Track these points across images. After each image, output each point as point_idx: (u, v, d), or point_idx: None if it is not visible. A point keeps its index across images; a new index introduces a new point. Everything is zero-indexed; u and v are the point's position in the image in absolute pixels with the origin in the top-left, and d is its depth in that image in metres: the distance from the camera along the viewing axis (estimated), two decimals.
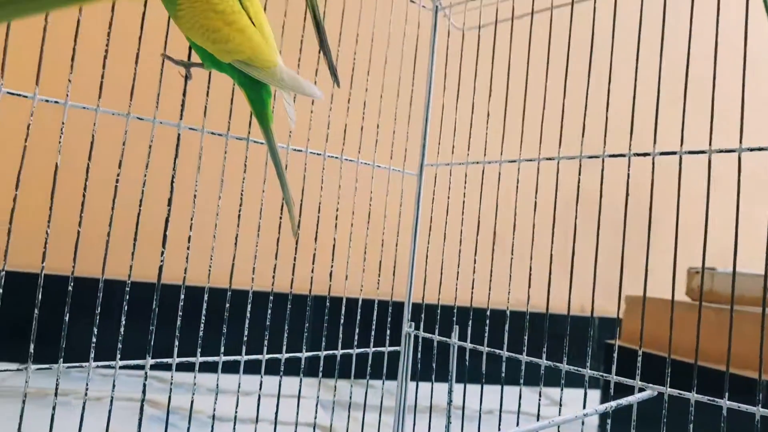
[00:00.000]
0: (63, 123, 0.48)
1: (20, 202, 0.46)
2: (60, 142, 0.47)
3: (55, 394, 0.47)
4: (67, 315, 0.47)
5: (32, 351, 0.46)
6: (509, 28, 0.70)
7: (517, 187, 0.67)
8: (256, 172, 0.59)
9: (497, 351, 0.64)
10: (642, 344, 0.56)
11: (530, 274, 0.63)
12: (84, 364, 0.48)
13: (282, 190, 0.53)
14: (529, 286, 0.63)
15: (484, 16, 0.74)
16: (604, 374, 0.59)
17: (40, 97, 0.48)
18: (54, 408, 0.46)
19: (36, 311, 0.46)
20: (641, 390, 0.51)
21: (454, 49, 0.76)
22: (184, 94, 0.55)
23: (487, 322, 0.65)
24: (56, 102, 0.49)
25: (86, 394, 0.46)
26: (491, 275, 0.66)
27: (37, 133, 0.49)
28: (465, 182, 0.70)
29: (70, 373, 0.87)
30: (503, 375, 0.63)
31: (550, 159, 0.66)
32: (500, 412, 0.62)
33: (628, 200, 0.57)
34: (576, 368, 0.60)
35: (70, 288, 0.48)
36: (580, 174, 0.62)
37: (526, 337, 0.62)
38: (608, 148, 0.60)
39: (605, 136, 0.60)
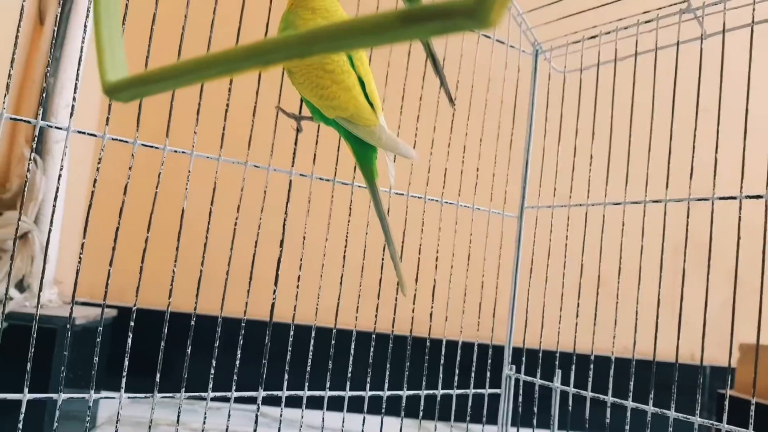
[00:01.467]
0: (189, 171, 0.53)
1: (150, 243, 0.51)
2: (186, 189, 0.52)
3: (177, 420, 0.51)
4: (189, 348, 0.52)
5: (158, 380, 0.51)
6: (612, 69, 0.70)
7: (623, 230, 0.65)
8: (361, 213, 0.62)
9: (602, 396, 0.62)
10: (755, 393, 0.53)
11: (636, 320, 0.62)
12: (203, 393, 0.52)
13: (387, 244, 0.55)
14: (635, 332, 0.61)
15: (586, 59, 0.74)
16: (715, 423, 0.56)
17: (170, 148, 0.53)
18: None
19: (162, 344, 0.50)
20: None
21: (554, 91, 0.76)
22: (295, 143, 0.59)
23: (591, 366, 0.63)
24: (183, 152, 0.54)
25: (204, 422, 0.49)
26: (595, 320, 0.65)
27: (166, 181, 0.54)
28: (567, 225, 0.70)
29: (193, 405, 0.93)
30: (608, 422, 0.61)
31: (656, 201, 0.64)
32: None
33: (739, 244, 0.55)
34: (685, 416, 0.58)
35: (192, 323, 0.53)
36: (688, 217, 0.60)
37: (632, 383, 0.61)
38: (718, 190, 0.58)
39: (714, 177, 0.58)
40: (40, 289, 0.48)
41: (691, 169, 0.60)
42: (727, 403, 0.54)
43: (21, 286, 0.98)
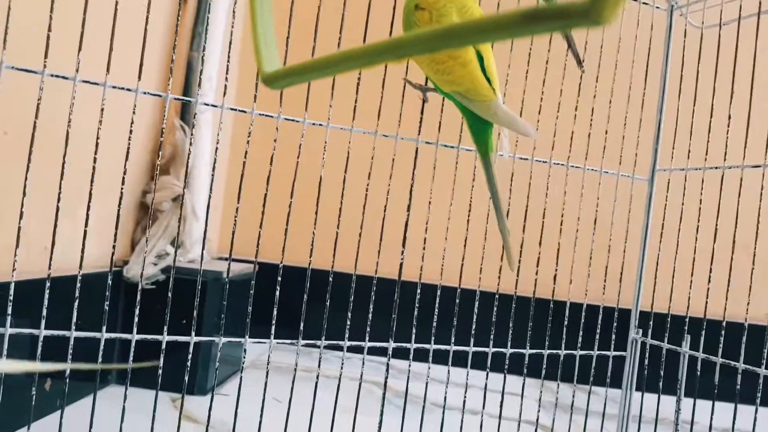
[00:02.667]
0: (326, 142, 0.58)
1: (293, 209, 0.56)
2: (324, 158, 0.57)
3: (319, 365, 0.57)
4: (328, 302, 0.57)
5: (302, 329, 0.57)
6: (754, 25, 0.66)
7: (761, 194, 0.63)
8: (484, 179, 0.64)
9: (732, 363, 0.61)
10: None
11: None
12: (341, 342, 0.58)
13: (498, 219, 0.56)
14: None
15: (726, 14, 0.70)
16: None
17: (309, 121, 0.58)
18: (317, 381, 0.55)
19: (305, 297, 0.56)
20: None
21: (690, 48, 0.73)
22: (421, 113, 0.62)
23: (723, 332, 0.62)
24: (320, 125, 0.59)
25: (340, 370, 0.55)
26: (728, 285, 0.63)
27: (306, 151, 0.59)
28: (701, 188, 0.68)
29: (326, 354, 1.01)
30: (738, 390, 0.60)
31: None
32: (732, 430, 0.60)
33: None
34: None
35: (330, 279, 0.58)
36: None
37: (766, 350, 0.59)
38: None
39: None
40: (203, 248, 0.55)
41: None
42: None
43: (175, 244, 1.10)
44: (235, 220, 0.54)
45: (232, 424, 0.56)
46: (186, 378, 0.53)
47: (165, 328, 0.53)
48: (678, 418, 0.68)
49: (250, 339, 0.55)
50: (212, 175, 0.55)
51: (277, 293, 0.55)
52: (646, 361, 0.73)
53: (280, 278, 0.55)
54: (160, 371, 0.53)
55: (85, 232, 0.50)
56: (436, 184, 0.63)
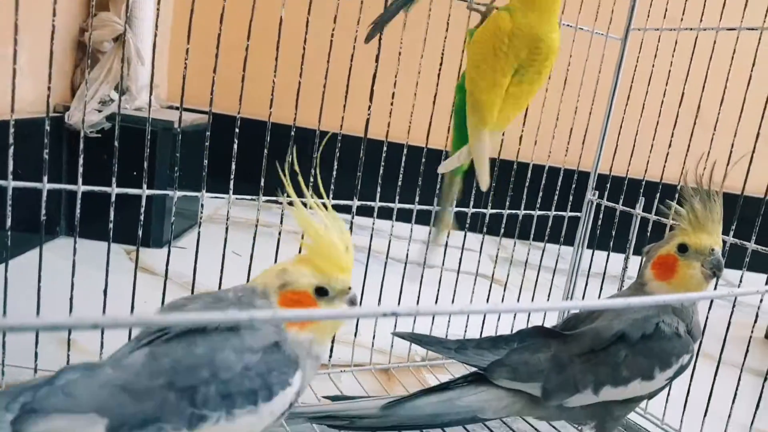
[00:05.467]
0: None
1: (251, 54, 0.52)
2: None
3: (281, 222, 0.55)
4: (290, 157, 0.54)
5: (262, 185, 0.54)
6: None
7: (733, 57, 0.61)
8: (459, 29, 0.61)
9: (683, 225, 0.63)
10: None
11: (731, 152, 0.60)
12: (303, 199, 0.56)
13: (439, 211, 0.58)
14: (728, 164, 0.60)
15: None
16: None
17: None
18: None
19: (266, 151, 0.53)
20: None
21: None
22: None
23: (676, 196, 0.63)
24: None
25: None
26: (688, 150, 0.63)
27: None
28: (674, 50, 0.66)
29: (271, 208, 1.00)
30: None
31: None
32: None
33: None
34: (764, 248, 0.58)
35: (292, 133, 0.55)
36: None
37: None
38: None
39: None
40: (150, 93, 0.51)
41: None
42: None
43: (119, 89, 1.03)
44: (186, 64, 0.50)
45: (191, 275, 0.55)
46: (140, 231, 0.51)
47: (113, 179, 0.50)
48: (624, 275, 0.71)
49: (208, 194, 0.53)
50: (157, 11, 0.50)
51: (235, 147, 0.52)
52: (600, 222, 0.75)
53: (237, 130, 0.52)
54: (111, 223, 0.50)
55: (14, 69, 0.45)
56: (407, 33, 0.59)
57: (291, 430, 0.50)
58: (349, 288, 0.38)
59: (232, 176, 0.53)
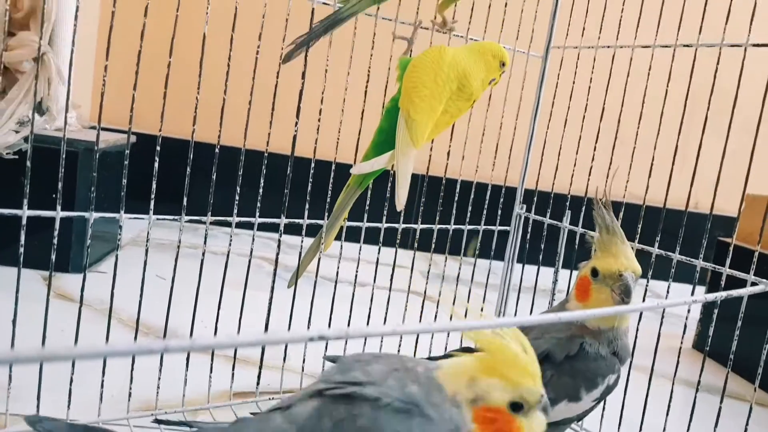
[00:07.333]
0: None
1: (174, 72, 0.50)
2: (207, 11, 0.51)
3: (204, 242, 0.54)
4: (215, 175, 0.53)
5: (185, 204, 0.53)
6: None
7: (649, 73, 0.64)
8: (384, 48, 0.61)
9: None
10: (761, 240, 0.54)
11: (651, 166, 0.62)
12: (229, 218, 0.55)
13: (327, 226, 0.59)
14: (649, 177, 0.62)
15: None
16: (717, 266, 0.59)
17: None
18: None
19: (188, 169, 0.52)
20: (754, 285, 0.51)
21: None
22: None
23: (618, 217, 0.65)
24: None
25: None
26: (610, 165, 0.65)
27: (186, 3, 0.52)
28: (593, 67, 0.68)
29: (213, 231, 0.97)
30: None
31: (687, 46, 0.62)
32: None
33: (767, 95, 0.54)
34: (688, 258, 0.60)
35: (217, 150, 0.54)
36: (718, 63, 0.59)
37: (639, 226, 0.63)
38: (753, 36, 0.56)
39: (751, 22, 0.56)
40: (66, 110, 0.48)
41: (728, 13, 0.57)
42: (732, 247, 0.56)
43: (39, 109, 0.99)
44: (104, 80, 0.48)
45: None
46: (53, 255, 0.49)
47: (25, 201, 0.47)
48: (555, 288, 0.72)
49: (126, 215, 0.51)
50: (74, 27, 0.48)
51: (156, 164, 0.50)
52: (528, 236, 0.76)
53: (159, 147, 0.50)
54: (21, 247, 0.48)
55: None
56: (334, 50, 0.58)
57: None
58: (542, 396, 0.34)
59: (153, 196, 0.51)
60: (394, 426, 0.32)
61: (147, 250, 0.51)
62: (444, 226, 0.70)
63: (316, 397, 0.34)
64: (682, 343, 0.58)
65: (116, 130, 1.09)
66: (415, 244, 0.68)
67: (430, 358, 0.52)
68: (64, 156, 0.48)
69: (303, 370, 0.64)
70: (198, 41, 0.50)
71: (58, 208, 0.49)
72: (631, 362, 0.54)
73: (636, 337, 0.58)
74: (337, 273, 0.63)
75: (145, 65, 0.49)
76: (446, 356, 0.52)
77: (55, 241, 0.49)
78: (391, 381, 0.33)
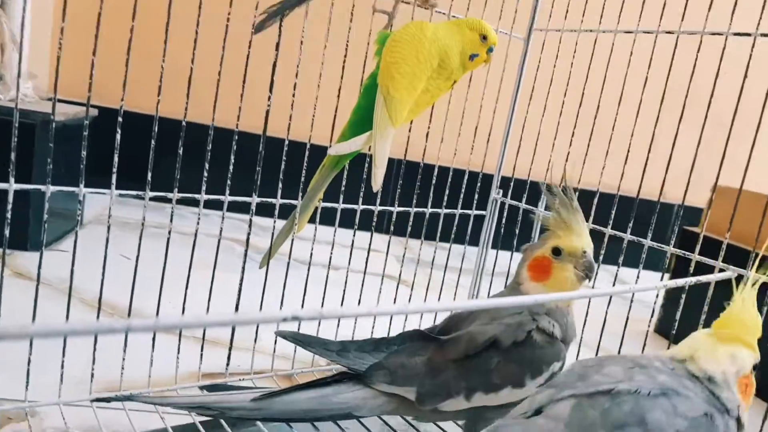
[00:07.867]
0: None
1: (138, 42, 0.47)
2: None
3: (171, 220, 0.51)
4: (181, 150, 0.50)
5: (149, 179, 0.50)
6: None
7: (630, 60, 0.63)
8: (364, 19, 0.59)
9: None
10: (730, 228, 0.54)
11: (627, 155, 0.61)
12: (197, 195, 0.52)
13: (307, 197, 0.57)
14: (625, 164, 0.61)
15: None
16: (687, 252, 0.59)
17: None
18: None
19: (153, 143, 0.49)
20: (722, 271, 0.51)
21: None
22: None
23: (576, 196, 0.64)
24: None
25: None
26: (587, 153, 0.64)
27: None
28: (574, 52, 0.67)
29: (181, 210, 0.93)
30: None
31: (669, 32, 0.61)
32: None
33: (744, 86, 0.53)
34: (659, 245, 0.60)
35: (183, 123, 0.51)
36: (699, 51, 0.58)
37: (613, 212, 0.62)
38: (734, 25, 0.55)
39: (733, 11, 0.55)
40: (18, 75, 0.45)
41: (710, 2, 0.57)
42: (702, 235, 0.57)
43: None
44: (60, 44, 0.44)
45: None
46: (6, 230, 0.46)
47: None
48: None
49: (87, 189, 0.48)
50: None
51: (118, 136, 0.47)
52: (504, 221, 0.75)
53: (121, 118, 0.47)
54: None
55: None
56: (310, 21, 0.56)
57: (169, 418, 0.47)
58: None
59: (115, 169, 0.48)
60: (660, 405, 0.34)
61: (109, 227, 0.48)
62: (421, 209, 0.69)
63: (566, 399, 0.36)
64: (649, 326, 0.59)
65: (78, 103, 1.04)
66: (392, 228, 0.67)
67: (381, 339, 0.53)
68: (17, 125, 0.45)
69: (275, 351, 0.62)
70: (164, 4, 0.47)
71: (12, 180, 0.46)
72: (598, 345, 0.54)
73: (605, 321, 0.58)
74: (311, 255, 0.61)
75: (106, 30, 0.46)
76: (398, 338, 0.52)
77: (9, 215, 0.46)
78: (639, 376, 0.36)
